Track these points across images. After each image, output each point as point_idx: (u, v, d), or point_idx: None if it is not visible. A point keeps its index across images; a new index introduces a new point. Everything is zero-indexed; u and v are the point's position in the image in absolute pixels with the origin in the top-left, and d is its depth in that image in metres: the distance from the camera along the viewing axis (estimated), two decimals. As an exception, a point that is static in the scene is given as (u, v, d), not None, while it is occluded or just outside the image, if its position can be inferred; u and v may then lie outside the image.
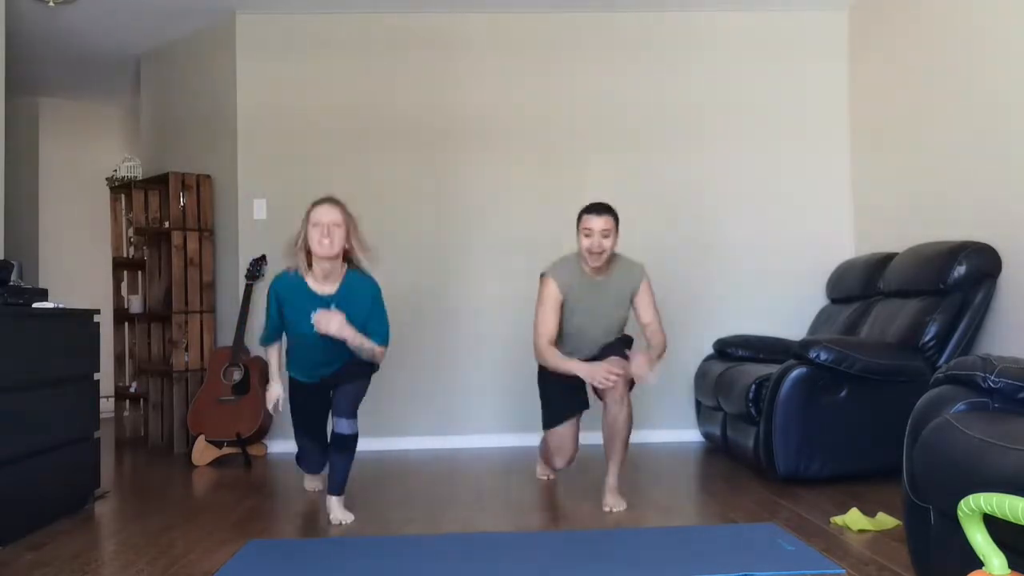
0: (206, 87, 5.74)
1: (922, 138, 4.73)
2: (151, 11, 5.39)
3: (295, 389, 3.64)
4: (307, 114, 5.48)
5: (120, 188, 6.01)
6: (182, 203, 5.48)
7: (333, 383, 3.55)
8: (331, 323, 3.29)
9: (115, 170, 6.26)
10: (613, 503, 3.61)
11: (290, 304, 3.45)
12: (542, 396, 3.82)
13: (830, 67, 5.57)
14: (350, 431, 3.49)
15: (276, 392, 3.59)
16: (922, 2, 4.72)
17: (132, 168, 6.16)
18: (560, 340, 3.75)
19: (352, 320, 3.35)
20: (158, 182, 5.64)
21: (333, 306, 3.36)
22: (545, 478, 4.26)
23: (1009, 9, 3.96)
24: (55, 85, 6.99)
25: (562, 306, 3.69)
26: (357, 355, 3.45)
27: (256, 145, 5.46)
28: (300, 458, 3.87)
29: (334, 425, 3.50)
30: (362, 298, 3.44)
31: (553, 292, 3.68)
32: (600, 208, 3.61)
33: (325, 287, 3.42)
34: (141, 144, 6.44)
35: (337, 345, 3.39)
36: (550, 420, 3.77)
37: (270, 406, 3.59)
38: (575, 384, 3.70)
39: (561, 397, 3.76)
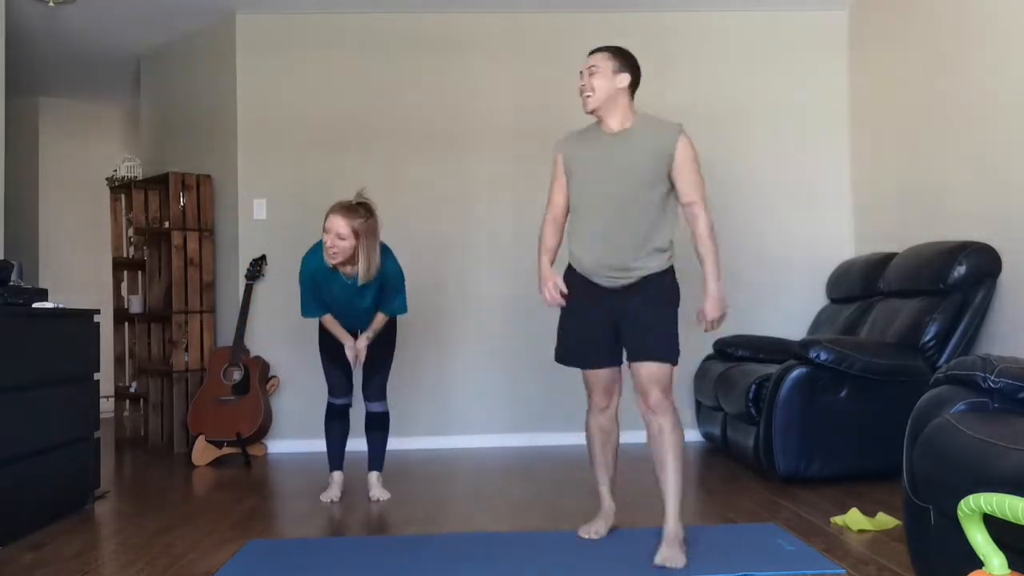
0: (206, 87, 5.74)
1: (922, 138, 4.73)
2: (151, 11, 5.39)
3: (325, 332, 3.86)
4: (307, 114, 5.48)
5: (120, 188, 6.01)
6: (182, 203, 5.48)
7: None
8: (359, 353, 3.77)
9: (115, 170, 6.26)
10: (667, 557, 2.75)
11: (323, 284, 3.71)
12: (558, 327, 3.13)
13: (830, 66, 5.57)
14: (382, 410, 3.93)
15: (351, 349, 3.79)
16: (921, 1, 4.72)
17: (132, 168, 6.16)
18: (572, 216, 3.05)
19: (374, 293, 3.73)
20: (158, 182, 5.65)
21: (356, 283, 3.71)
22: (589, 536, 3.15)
23: (1009, 9, 3.96)
24: (55, 85, 6.99)
25: (569, 176, 3.02)
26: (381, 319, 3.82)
27: (256, 145, 5.46)
28: (330, 411, 3.96)
29: (367, 406, 3.92)
30: (382, 276, 3.70)
31: (557, 161, 3.06)
32: (597, 48, 3.00)
33: (347, 269, 3.66)
34: (141, 144, 6.44)
35: (364, 315, 3.79)
36: (557, 355, 3.11)
37: (352, 359, 3.79)
38: (594, 330, 2.99)
39: (570, 339, 3.06)
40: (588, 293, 2.98)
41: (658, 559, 2.75)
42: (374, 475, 3.94)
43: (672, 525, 2.84)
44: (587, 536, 3.12)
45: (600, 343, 3.00)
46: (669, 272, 3.01)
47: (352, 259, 3.60)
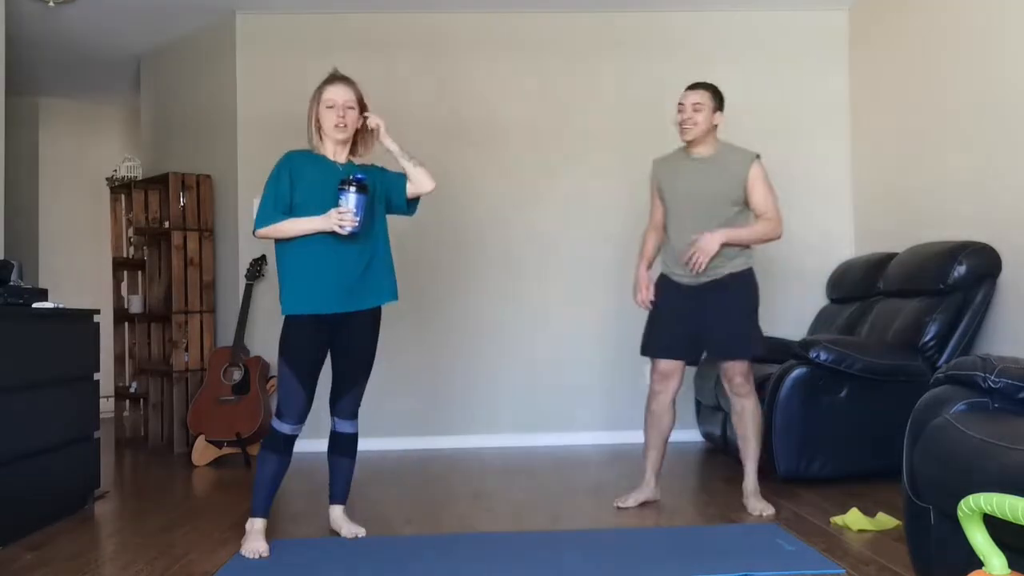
0: (206, 87, 5.74)
1: (922, 138, 4.73)
2: (151, 11, 5.39)
3: (296, 329, 3.11)
4: (307, 114, 5.46)
5: (120, 188, 6.01)
6: (182, 203, 5.48)
7: (340, 341, 3.18)
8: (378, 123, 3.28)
9: (115, 170, 6.26)
10: (757, 507, 3.47)
11: (306, 176, 3.15)
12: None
13: (830, 66, 5.57)
14: (353, 430, 3.25)
15: (336, 215, 3.04)
16: (922, 1, 4.72)
17: (132, 168, 6.16)
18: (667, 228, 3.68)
19: (370, 186, 3.14)
20: (158, 182, 5.65)
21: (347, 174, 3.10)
22: (620, 506, 3.65)
23: (1008, 9, 3.96)
24: (55, 85, 6.98)
25: (662, 193, 3.67)
26: (377, 271, 3.21)
27: (256, 145, 5.46)
28: (273, 439, 3.08)
29: (335, 425, 3.24)
30: (371, 169, 3.28)
31: (653, 177, 3.74)
32: (695, 85, 3.66)
33: (338, 158, 3.22)
34: (141, 144, 6.44)
35: (360, 242, 3.13)
36: (642, 346, 3.68)
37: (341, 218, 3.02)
38: (679, 324, 3.57)
39: (656, 328, 3.64)
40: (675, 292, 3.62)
41: (754, 512, 3.43)
42: (339, 509, 3.29)
43: (751, 482, 3.55)
44: (623, 505, 3.64)
45: (672, 338, 3.60)
46: (747, 272, 3.57)
47: (346, 146, 3.23)
